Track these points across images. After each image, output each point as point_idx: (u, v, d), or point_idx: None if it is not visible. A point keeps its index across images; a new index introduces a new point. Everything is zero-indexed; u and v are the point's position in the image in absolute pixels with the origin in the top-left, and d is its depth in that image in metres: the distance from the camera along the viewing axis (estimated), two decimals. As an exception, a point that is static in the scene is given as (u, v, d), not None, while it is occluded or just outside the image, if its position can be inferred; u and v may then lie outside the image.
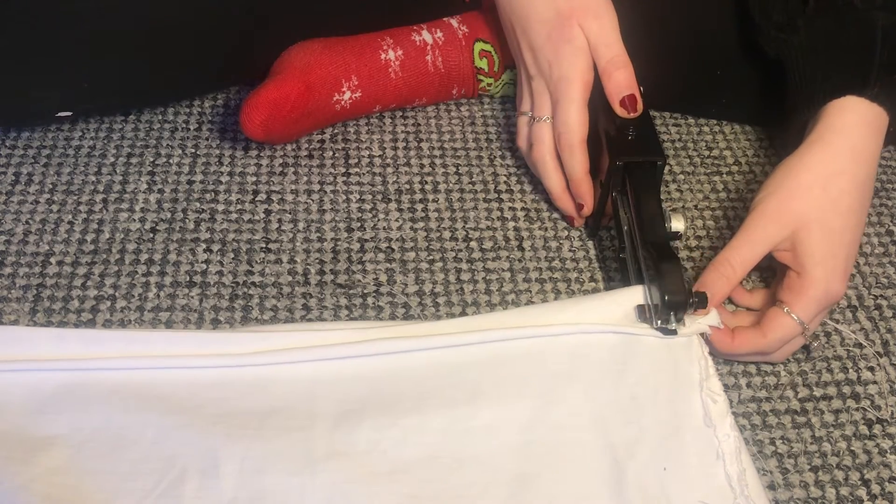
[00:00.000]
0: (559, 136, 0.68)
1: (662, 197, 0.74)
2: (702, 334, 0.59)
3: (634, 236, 0.62)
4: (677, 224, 0.64)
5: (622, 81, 0.67)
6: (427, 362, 0.58)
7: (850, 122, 0.62)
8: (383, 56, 0.77)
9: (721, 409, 0.55)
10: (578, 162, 0.68)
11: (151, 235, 0.69)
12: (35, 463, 0.51)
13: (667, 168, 0.77)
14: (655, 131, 0.68)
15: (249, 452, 0.53)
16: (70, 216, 0.70)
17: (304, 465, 0.52)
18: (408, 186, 0.74)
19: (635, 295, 0.61)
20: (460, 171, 0.76)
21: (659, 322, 0.58)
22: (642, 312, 0.60)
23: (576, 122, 0.67)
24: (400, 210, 0.72)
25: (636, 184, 0.64)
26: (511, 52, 0.74)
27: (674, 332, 0.58)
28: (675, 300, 0.57)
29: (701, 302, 0.58)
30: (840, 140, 0.62)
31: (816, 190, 0.61)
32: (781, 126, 0.69)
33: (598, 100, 0.68)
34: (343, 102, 0.76)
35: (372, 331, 0.59)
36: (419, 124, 0.81)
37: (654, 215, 0.62)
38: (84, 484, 0.51)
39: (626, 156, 0.65)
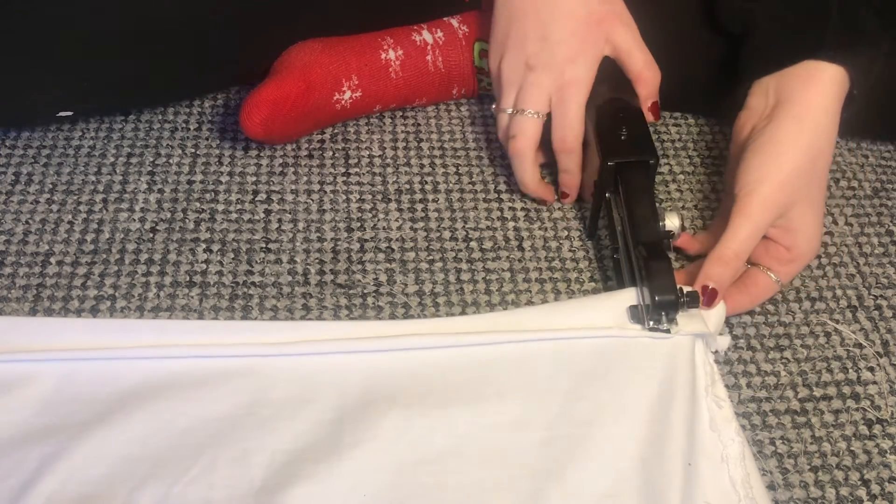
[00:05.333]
0: (563, 137, 0.68)
1: (662, 197, 0.75)
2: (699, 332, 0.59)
3: (627, 237, 0.62)
4: (672, 222, 0.64)
5: (654, 87, 0.69)
6: (456, 358, 0.59)
7: (828, 98, 0.62)
8: (383, 56, 0.77)
9: (726, 415, 0.56)
10: (575, 162, 0.69)
11: (151, 235, 0.69)
12: (68, 457, 0.52)
13: (667, 168, 0.77)
14: (649, 131, 0.68)
15: (280, 444, 0.54)
16: (70, 216, 0.70)
17: (332, 452, 0.53)
18: (408, 186, 0.74)
19: (631, 296, 0.61)
20: (460, 171, 0.76)
21: (651, 323, 0.58)
22: (635, 313, 0.60)
23: (580, 123, 0.68)
24: (400, 210, 0.72)
25: (628, 184, 0.64)
26: (496, 40, 0.72)
27: (666, 332, 0.58)
28: (664, 300, 0.57)
29: (692, 301, 0.58)
30: (825, 119, 0.62)
31: (808, 172, 0.62)
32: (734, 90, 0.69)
33: (591, 99, 0.68)
34: (343, 102, 0.76)
35: (400, 326, 0.61)
36: (419, 124, 0.81)
37: (647, 215, 0.62)
38: (116, 471, 0.52)
39: (617, 156, 0.65)
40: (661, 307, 0.57)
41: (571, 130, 0.68)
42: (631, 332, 0.59)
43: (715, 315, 0.60)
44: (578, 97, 0.68)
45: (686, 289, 0.59)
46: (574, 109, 0.68)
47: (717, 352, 0.61)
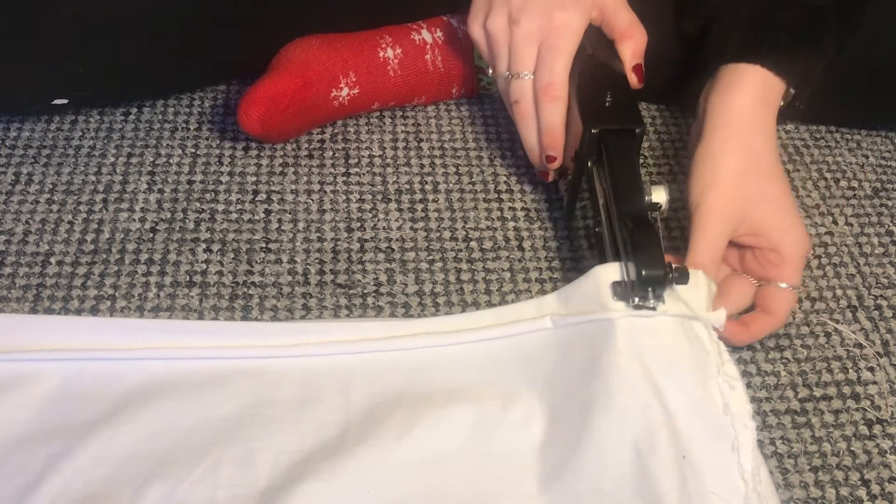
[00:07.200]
0: (549, 83, 0.65)
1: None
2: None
3: (611, 209, 0.60)
4: (660, 196, 0.61)
5: (640, 47, 0.66)
6: (459, 357, 0.58)
7: (748, 101, 0.63)
8: (381, 54, 0.77)
9: (740, 397, 0.52)
10: (560, 114, 0.66)
11: (151, 235, 0.69)
12: (74, 456, 0.52)
13: (667, 168, 0.77)
14: (634, 98, 0.65)
15: (285, 445, 0.54)
16: (70, 216, 0.70)
17: (336, 451, 0.53)
18: (408, 186, 0.74)
19: (611, 272, 0.58)
20: (460, 171, 0.76)
21: (636, 300, 0.55)
22: (618, 290, 0.56)
23: (567, 70, 0.65)
24: (400, 210, 0.72)
25: (613, 153, 0.61)
26: (477, 4, 0.69)
27: (652, 310, 0.55)
28: (651, 275, 0.53)
29: (681, 277, 0.54)
30: (750, 122, 0.63)
31: (750, 174, 0.61)
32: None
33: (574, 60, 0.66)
34: (341, 98, 0.76)
35: (403, 325, 0.60)
36: (419, 124, 0.80)
37: (632, 185, 0.59)
38: (121, 470, 0.52)
39: (601, 123, 0.62)
40: (648, 282, 0.53)
41: (559, 77, 0.65)
42: (614, 311, 0.55)
43: (703, 291, 0.57)
44: (568, 44, 0.65)
45: (675, 264, 0.55)
46: (563, 56, 0.65)
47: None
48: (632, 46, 0.66)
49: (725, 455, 0.51)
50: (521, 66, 0.66)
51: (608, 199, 0.60)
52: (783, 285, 0.62)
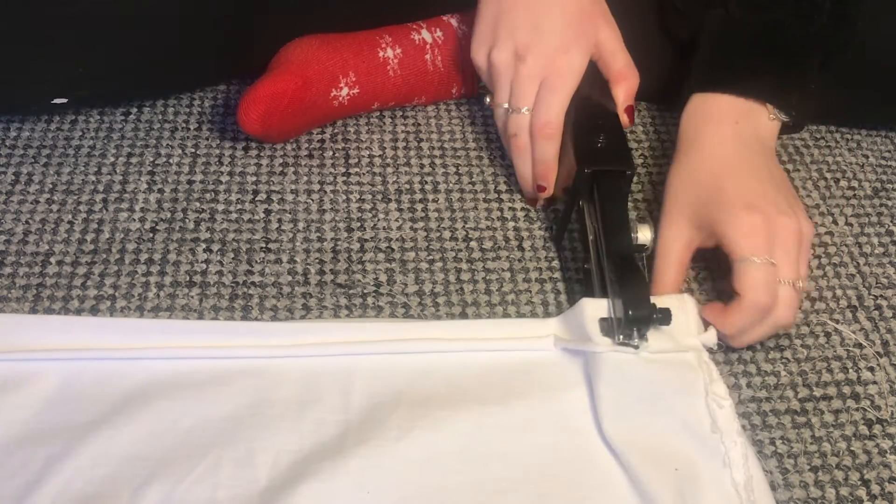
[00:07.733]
0: (546, 122, 0.67)
1: (661, 200, 0.75)
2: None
3: (600, 247, 0.62)
4: (644, 235, 0.63)
5: (633, 89, 0.69)
6: (461, 361, 0.59)
7: (689, 124, 0.67)
8: (381, 54, 0.77)
9: (727, 415, 0.55)
10: (554, 150, 0.68)
11: (151, 235, 0.69)
12: (74, 456, 0.52)
13: (666, 168, 0.77)
14: (626, 140, 0.68)
15: (285, 445, 0.54)
16: (70, 216, 0.70)
17: (336, 451, 0.53)
18: (408, 186, 0.74)
19: (597, 307, 0.60)
20: (460, 171, 0.76)
21: (621, 337, 0.57)
22: (604, 325, 0.59)
23: (562, 112, 0.67)
24: (400, 210, 0.72)
25: (603, 193, 0.64)
26: (481, 33, 0.71)
27: (635, 348, 0.57)
28: (637, 315, 0.55)
29: (664, 318, 0.57)
30: (688, 141, 0.66)
31: (684, 187, 0.65)
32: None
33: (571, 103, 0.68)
34: (341, 98, 0.76)
35: (405, 330, 0.61)
36: (419, 124, 0.80)
37: (621, 226, 0.61)
38: (121, 470, 0.52)
39: (593, 164, 0.65)
40: (635, 322, 0.56)
41: (556, 116, 0.67)
42: (600, 346, 0.57)
43: (692, 313, 0.60)
44: (568, 86, 0.67)
45: (659, 305, 0.57)
46: (561, 96, 0.67)
47: (713, 350, 0.60)
48: (625, 89, 0.69)
49: (718, 471, 0.53)
50: (521, 102, 0.68)
51: (598, 237, 0.62)
52: (746, 259, 0.59)
